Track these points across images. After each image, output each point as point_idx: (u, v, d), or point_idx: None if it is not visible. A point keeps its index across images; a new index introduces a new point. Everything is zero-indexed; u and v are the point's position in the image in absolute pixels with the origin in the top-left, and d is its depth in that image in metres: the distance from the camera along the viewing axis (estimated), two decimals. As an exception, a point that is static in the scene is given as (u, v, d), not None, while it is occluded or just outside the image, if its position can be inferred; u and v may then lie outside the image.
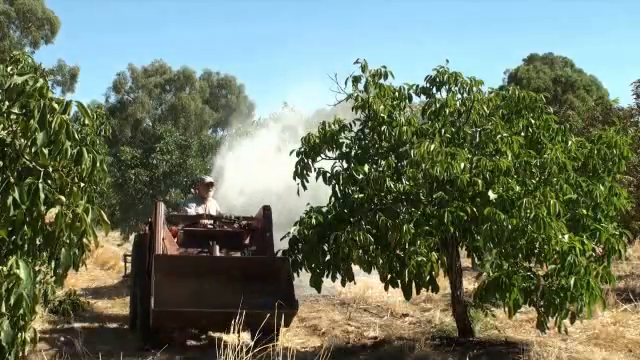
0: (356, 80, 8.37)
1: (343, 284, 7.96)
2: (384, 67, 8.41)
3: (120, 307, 12.34)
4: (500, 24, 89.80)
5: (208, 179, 10.46)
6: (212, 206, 10.20)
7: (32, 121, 3.75)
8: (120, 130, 41.83)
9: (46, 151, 3.82)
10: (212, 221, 9.60)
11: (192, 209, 10.08)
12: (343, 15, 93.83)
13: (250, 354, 5.48)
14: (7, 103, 3.92)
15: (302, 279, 7.98)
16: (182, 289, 7.68)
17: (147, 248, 8.89)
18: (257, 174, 13.09)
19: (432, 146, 7.20)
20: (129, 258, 11.00)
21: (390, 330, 9.58)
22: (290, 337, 8.86)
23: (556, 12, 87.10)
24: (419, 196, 7.67)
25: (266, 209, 8.87)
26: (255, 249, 8.93)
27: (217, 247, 8.58)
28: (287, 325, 7.31)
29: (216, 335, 8.37)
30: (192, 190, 9.77)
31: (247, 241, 9.40)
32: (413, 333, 9.21)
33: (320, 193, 8.37)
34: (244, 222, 9.45)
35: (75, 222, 3.93)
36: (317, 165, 8.32)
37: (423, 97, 8.50)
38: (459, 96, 8.24)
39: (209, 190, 10.21)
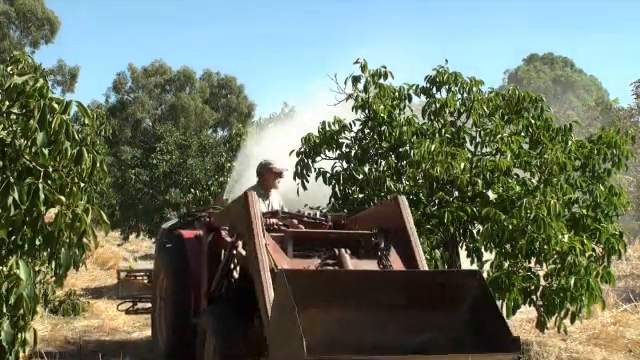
0: (356, 80, 8.38)
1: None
2: (384, 67, 8.43)
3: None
4: (500, 24, 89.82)
5: (279, 166, 7.49)
6: (275, 200, 7.62)
7: (32, 121, 3.75)
8: (120, 130, 41.81)
9: (46, 151, 3.82)
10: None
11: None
12: (343, 15, 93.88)
13: None
14: (7, 103, 3.92)
15: None
16: (330, 323, 4.78)
17: (208, 259, 6.56)
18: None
19: (432, 146, 7.21)
20: (134, 274, 10.03)
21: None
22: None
23: (556, 12, 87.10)
24: (419, 196, 7.68)
25: (398, 201, 6.18)
26: (390, 258, 5.94)
27: (348, 257, 5.68)
28: None
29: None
30: (258, 178, 7.49)
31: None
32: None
33: (319, 194, 8.30)
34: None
35: (75, 222, 3.93)
36: (317, 165, 8.33)
37: (423, 97, 8.51)
38: (459, 96, 8.25)
39: (278, 180, 7.51)
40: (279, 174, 7.45)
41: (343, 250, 5.66)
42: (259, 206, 5.80)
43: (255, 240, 5.36)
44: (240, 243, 5.90)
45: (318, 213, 7.18)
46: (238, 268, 6.20)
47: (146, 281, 9.95)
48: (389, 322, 4.81)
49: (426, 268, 5.79)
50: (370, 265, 5.70)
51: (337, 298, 4.75)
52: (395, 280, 5.18)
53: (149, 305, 8.87)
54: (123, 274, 10.27)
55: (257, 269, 5.20)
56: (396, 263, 5.80)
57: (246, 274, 5.71)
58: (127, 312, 9.16)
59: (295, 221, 6.88)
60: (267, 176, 7.42)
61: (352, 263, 5.63)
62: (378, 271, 5.61)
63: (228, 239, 6.22)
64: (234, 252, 6.00)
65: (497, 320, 4.70)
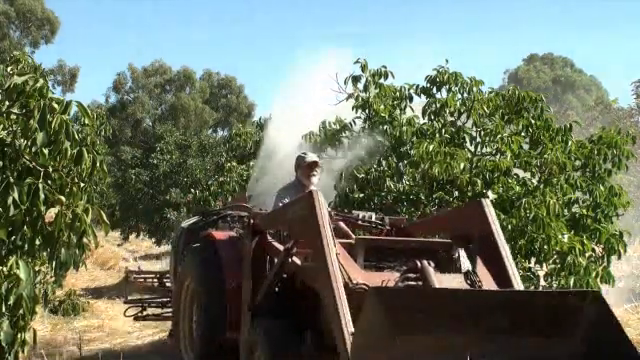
0: (356, 80, 8.38)
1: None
2: (384, 67, 8.44)
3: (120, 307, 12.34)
4: (500, 24, 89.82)
5: (310, 157, 6.63)
6: None
7: (32, 121, 3.74)
8: (120, 130, 41.79)
9: (46, 151, 3.81)
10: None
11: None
12: (342, 14, 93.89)
13: None
14: (7, 103, 3.91)
15: None
16: (427, 350, 3.91)
17: (252, 267, 5.76)
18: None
19: (431, 146, 7.21)
20: (145, 279, 9.63)
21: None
22: None
23: (556, 12, 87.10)
24: (419, 196, 7.68)
25: (482, 205, 5.32)
26: (476, 273, 5.05)
27: (432, 270, 4.85)
28: None
29: None
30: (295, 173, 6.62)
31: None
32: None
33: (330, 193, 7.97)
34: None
35: (75, 222, 3.93)
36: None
37: (423, 97, 8.51)
38: (459, 96, 8.25)
39: (313, 173, 6.49)
40: (311, 166, 6.46)
41: (426, 262, 4.81)
42: (326, 208, 4.92)
43: (325, 249, 4.53)
44: (295, 251, 5.09)
45: (374, 215, 6.46)
46: (286, 277, 5.42)
47: (156, 284, 9.44)
48: (494, 351, 3.98)
49: (521, 285, 4.99)
50: (456, 280, 4.90)
51: (434, 321, 3.86)
52: (502, 301, 4.15)
53: (160, 311, 8.68)
54: (133, 275, 9.82)
55: (328, 284, 4.41)
56: (485, 279, 4.94)
57: (301, 286, 5.16)
58: (135, 318, 8.68)
59: (342, 224, 6.20)
60: (301, 171, 6.50)
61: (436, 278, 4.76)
62: (483, 291, 4.71)
63: (276, 245, 5.50)
64: (288, 260, 5.11)
65: (625, 353, 3.77)
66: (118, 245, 29.46)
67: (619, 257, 7.70)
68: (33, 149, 3.81)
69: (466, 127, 8.13)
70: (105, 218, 4.17)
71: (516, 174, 7.83)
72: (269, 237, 5.66)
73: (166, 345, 9.20)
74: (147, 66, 47.73)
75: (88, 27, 79.08)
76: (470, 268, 4.99)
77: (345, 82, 8.44)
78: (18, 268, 3.72)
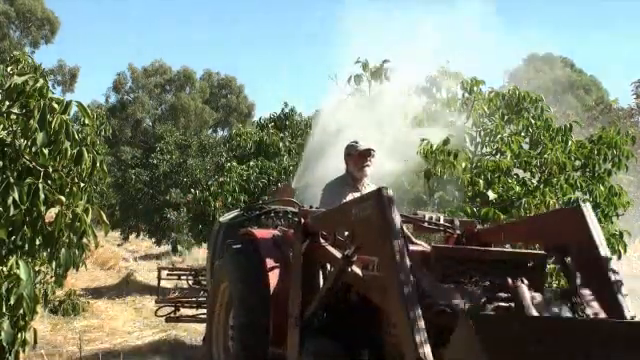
0: (357, 79, 8.38)
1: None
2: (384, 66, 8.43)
3: (120, 307, 12.36)
4: (500, 24, 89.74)
5: (362, 144, 5.74)
6: None
7: (32, 121, 3.74)
8: (120, 130, 41.81)
9: (46, 151, 3.81)
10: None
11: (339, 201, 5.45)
12: (342, 14, 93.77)
13: None
14: (7, 103, 3.91)
15: None
16: None
17: (302, 275, 4.88)
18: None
19: (434, 146, 7.21)
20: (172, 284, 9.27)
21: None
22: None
23: (556, 12, 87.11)
24: (420, 196, 7.68)
25: (582, 212, 4.50)
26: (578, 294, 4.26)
27: (527, 290, 4.03)
28: None
29: None
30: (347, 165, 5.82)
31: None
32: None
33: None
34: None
35: (75, 222, 3.93)
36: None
37: (424, 97, 8.52)
38: (459, 96, 8.25)
39: (366, 164, 5.70)
40: (363, 156, 5.66)
41: (520, 281, 4.01)
42: (397, 210, 4.01)
43: (396, 258, 3.75)
44: (356, 258, 4.31)
45: (442, 217, 5.49)
46: (342, 289, 4.66)
47: (191, 282, 8.98)
48: None
49: (629, 309, 4.18)
50: (556, 303, 4.14)
51: (536, 355, 3.21)
52: (629, 335, 3.38)
53: (194, 312, 8.37)
54: (164, 272, 9.29)
55: (398, 300, 3.66)
56: (588, 302, 4.17)
57: (359, 299, 4.46)
58: (167, 319, 8.31)
59: (407, 227, 5.30)
60: (352, 161, 5.71)
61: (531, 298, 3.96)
62: (605, 321, 3.87)
63: (331, 250, 4.68)
64: (348, 269, 4.29)
65: None
66: (118, 245, 29.46)
67: (619, 257, 7.69)
68: (33, 149, 3.80)
69: (466, 127, 8.13)
70: (105, 218, 4.17)
71: (516, 174, 7.83)
72: (322, 240, 4.81)
73: (166, 345, 9.21)
74: (147, 66, 47.78)
75: (88, 27, 79.16)
76: (570, 286, 4.25)
77: (348, 81, 8.45)
78: (18, 268, 3.72)
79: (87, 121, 4.13)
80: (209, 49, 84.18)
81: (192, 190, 16.80)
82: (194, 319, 8.32)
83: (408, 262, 3.76)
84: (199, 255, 22.66)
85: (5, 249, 3.89)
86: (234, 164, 15.51)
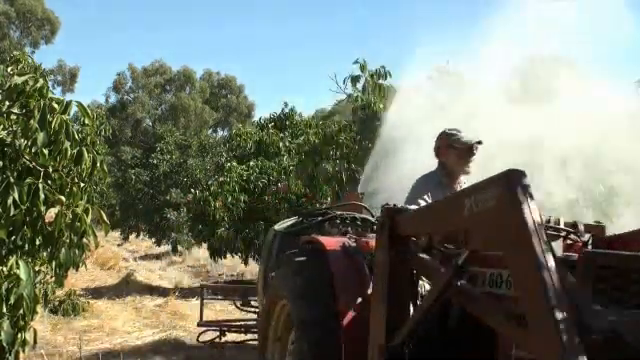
0: (355, 80, 8.39)
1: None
2: (383, 67, 8.44)
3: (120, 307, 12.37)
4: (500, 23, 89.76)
5: (466, 134, 4.76)
6: None
7: (32, 121, 3.75)
8: (120, 130, 41.84)
9: (46, 151, 3.82)
10: None
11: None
12: (342, 14, 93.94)
13: None
14: (7, 103, 3.92)
15: None
16: None
17: (388, 289, 3.87)
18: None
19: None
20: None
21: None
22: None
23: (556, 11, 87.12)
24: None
25: None
26: None
27: None
28: None
29: None
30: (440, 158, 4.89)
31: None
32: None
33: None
34: None
35: (75, 222, 3.93)
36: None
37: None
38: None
39: (472, 158, 4.77)
40: (470, 149, 4.71)
41: None
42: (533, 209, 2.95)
43: (542, 271, 2.74)
44: (472, 269, 3.49)
45: (562, 220, 4.30)
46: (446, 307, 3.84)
47: (239, 303, 7.93)
48: None
49: None
50: None
51: None
52: None
53: (242, 337, 7.84)
54: (208, 290, 8.46)
55: (548, 327, 2.66)
56: None
57: (474, 322, 3.38)
58: (212, 345, 7.75)
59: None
60: (455, 155, 4.74)
61: None
62: None
63: (427, 259, 3.78)
64: (457, 284, 3.34)
65: None
66: (118, 245, 29.48)
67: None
68: (33, 149, 3.81)
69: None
70: (105, 218, 4.17)
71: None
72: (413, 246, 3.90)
73: (166, 345, 9.22)
74: (147, 66, 47.82)
75: (88, 27, 79.17)
76: None
77: (344, 82, 8.45)
78: (18, 268, 3.72)
79: (87, 121, 4.13)
80: (209, 49, 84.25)
81: (192, 190, 16.81)
82: (242, 344, 7.70)
83: (556, 277, 2.72)
84: (199, 255, 22.68)
85: (5, 249, 3.89)
86: (234, 164, 15.52)
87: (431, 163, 4.88)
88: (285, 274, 4.85)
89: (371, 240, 4.53)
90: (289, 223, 5.96)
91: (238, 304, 7.94)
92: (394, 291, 3.84)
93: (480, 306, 3.30)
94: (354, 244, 4.75)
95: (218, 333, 7.76)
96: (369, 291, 4.25)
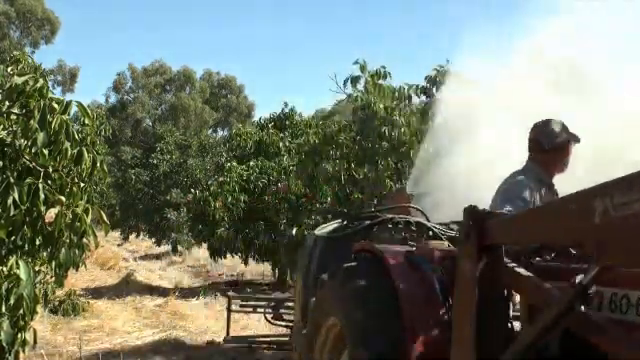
0: (355, 80, 8.38)
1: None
2: (383, 67, 8.43)
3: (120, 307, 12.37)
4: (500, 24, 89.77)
5: (566, 131, 4.23)
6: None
7: (32, 121, 3.75)
8: (120, 130, 41.86)
9: (46, 151, 3.82)
10: None
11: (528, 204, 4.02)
12: (343, 14, 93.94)
13: None
14: (7, 103, 3.92)
15: None
16: None
17: (474, 322, 3.18)
18: None
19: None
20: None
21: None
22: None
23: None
24: (419, 196, 7.67)
25: None
26: None
27: None
28: None
29: None
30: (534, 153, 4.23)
31: None
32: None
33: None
34: None
35: (75, 222, 3.93)
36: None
37: (423, 97, 8.50)
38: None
39: (568, 157, 4.26)
40: (568, 146, 4.20)
41: None
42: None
43: None
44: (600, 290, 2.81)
45: None
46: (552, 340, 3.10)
47: (270, 317, 7.40)
48: None
49: None
50: None
51: None
52: None
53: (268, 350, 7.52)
54: (236, 304, 7.79)
55: None
56: None
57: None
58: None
59: None
60: (562, 152, 4.20)
61: None
62: None
63: (531, 276, 3.03)
64: (580, 309, 2.64)
65: None
66: (118, 245, 29.48)
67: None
68: (33, 149, 3.81)
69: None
70: (105, 218, 4.17)
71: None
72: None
73: (166, 345, 9.22)
74: (147, 66, 47.84)
75: (88, 27, 79.17)
76: None
77: (344, 83, 8.44)
78: (18, 268, 3.72)
79: (87, 121, 4.13)
80: (209, 49, 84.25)
81: (192, 190, 16.81)
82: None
83: None
84: (199, 255, 22.69)
85: (5, 249, 3.89)
86: (234, 164, 15.53)
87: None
88: (335, 289, 4.13)
89: (440, 248, 4.02)
90: (331, 227, 5.24)
91: (269, 317, 7.29)
92: (483, 311, 3.15)
93: (612, 338, 2.56)
94: (422, 252, 4.00)
95: (247, 348, 7.34)
96: (442, 311, 3.62)
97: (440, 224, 4.87)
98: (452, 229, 4.70)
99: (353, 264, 4.17)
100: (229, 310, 7.67)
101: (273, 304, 7.38)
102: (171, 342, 9.53)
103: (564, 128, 4.18)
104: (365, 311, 3.77)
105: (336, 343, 4.22)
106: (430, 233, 4.77)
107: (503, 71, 6.06)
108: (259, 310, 7.70)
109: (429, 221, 4.92)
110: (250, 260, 16.64)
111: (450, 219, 4.78)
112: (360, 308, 3.80)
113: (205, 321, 11.02)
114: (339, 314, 4.06)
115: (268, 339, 7.54)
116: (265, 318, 7.44)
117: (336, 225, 5.24)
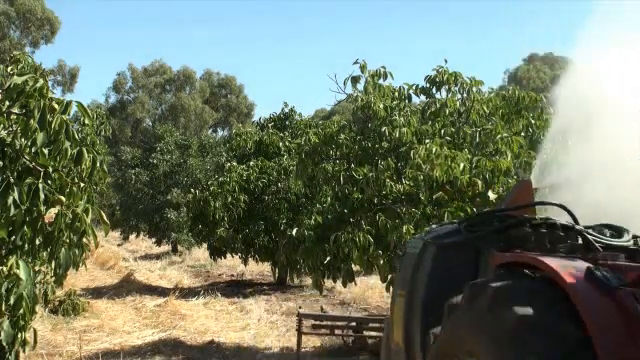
0: (355, 80, 8.36)
1: (344, 285, 7.95)
2: (383, 67, 8.41)
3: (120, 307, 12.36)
4: (500, 24, 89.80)
5: None
6: None
7: (32, 121, 3.75)
8: (120, 130, 41.84)
9: (46, 151, 3.82)
10: None
11: None
12: (342, 14, 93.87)
13: None
14: (7, 103, 3.92)
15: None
16: None
17: None
18: None
19: (433, 149, 7.19)
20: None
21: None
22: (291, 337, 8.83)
23: (556, 12, 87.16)
24: (419, 196, 7.67)
25: None
26: None
27: None
28: None
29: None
30: None
31: None
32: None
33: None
34: None
35: (75, 222, 3.93)
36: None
37: (423, 97, 8.49)
38: (459, 96, 8.24)
39: None
40: None
41: None
42: None
43: None
44: None
45: None
46: None
47: (350, 338, 6.68)
48: None
49: None
50: None
51: None
52: None
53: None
54: (307, 324, 6.82)
55: None
56: None
57: None
58: None
59: None
60: None
61: None
62: None
63: None
64: None
65: None
66: (118, 245, 29.47)
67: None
68: (33, 149, 3.81)
69: (466, 127, 8.12)
70: (105, 218, 4.17)
71: (516, 174, 7.82)
72: None
73: (166, 345, 9.21)
74: (147, 66, 47.81)
75: (88, 27, 79.14)
76: None
77: (345, 83, 8.42)
78: (18, 268, 3.73)
79: (87, 121, 4.14)
80: (209, 49, 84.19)
81: (192, 190, 16.79)
82: None
83: None
84: (199, 255, 22.68)
85: (5, 249, 3.89)
86: (234, 164, 15.52)
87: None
88: (481, 318, 3.06)
89: (633, 265, 2.99)
90: (444, 231, 4.20)
91: (349, 340, 6.24)
92: None
93: None
94: (609, 274, 2.91)
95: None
96: None
97: (586, 227, 3.76)
98: (604, 234, 3.67)
99: (506, 283, 3.11)
100: (299, 332, 6.58)
101: (353, 324, 6.46)
102: (171, 342, 9.53)
103: None
104: (538, 355, 2.72)
105: None
106: (579, 240, 3.61)
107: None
108: (337, 332, 6.75)
109: (577, 223, 3.80)
110: (250, 260, 16.63)
111: (584, 220, 3.74)
112: (531, 350, 2.74)
113: (205, 321, 11.01)
114: (489, 355, 2.97)
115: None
116: (344, 342, 6.31)
117: (450, 228, 4.18)
